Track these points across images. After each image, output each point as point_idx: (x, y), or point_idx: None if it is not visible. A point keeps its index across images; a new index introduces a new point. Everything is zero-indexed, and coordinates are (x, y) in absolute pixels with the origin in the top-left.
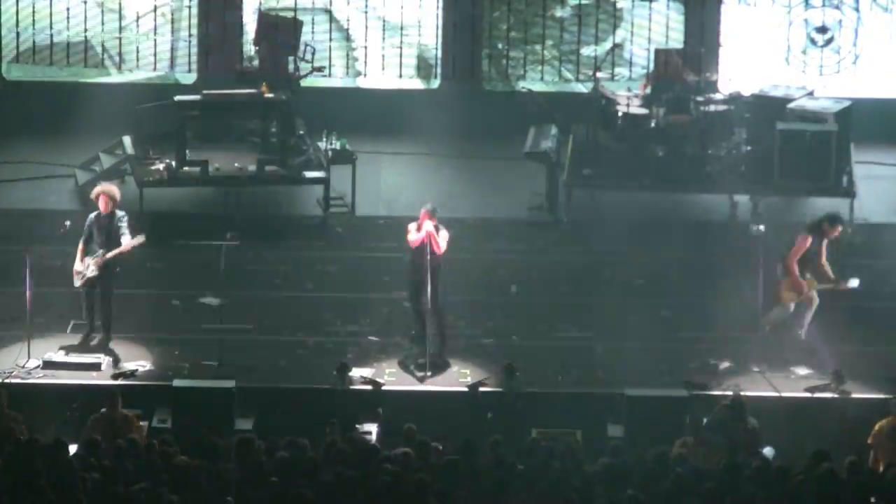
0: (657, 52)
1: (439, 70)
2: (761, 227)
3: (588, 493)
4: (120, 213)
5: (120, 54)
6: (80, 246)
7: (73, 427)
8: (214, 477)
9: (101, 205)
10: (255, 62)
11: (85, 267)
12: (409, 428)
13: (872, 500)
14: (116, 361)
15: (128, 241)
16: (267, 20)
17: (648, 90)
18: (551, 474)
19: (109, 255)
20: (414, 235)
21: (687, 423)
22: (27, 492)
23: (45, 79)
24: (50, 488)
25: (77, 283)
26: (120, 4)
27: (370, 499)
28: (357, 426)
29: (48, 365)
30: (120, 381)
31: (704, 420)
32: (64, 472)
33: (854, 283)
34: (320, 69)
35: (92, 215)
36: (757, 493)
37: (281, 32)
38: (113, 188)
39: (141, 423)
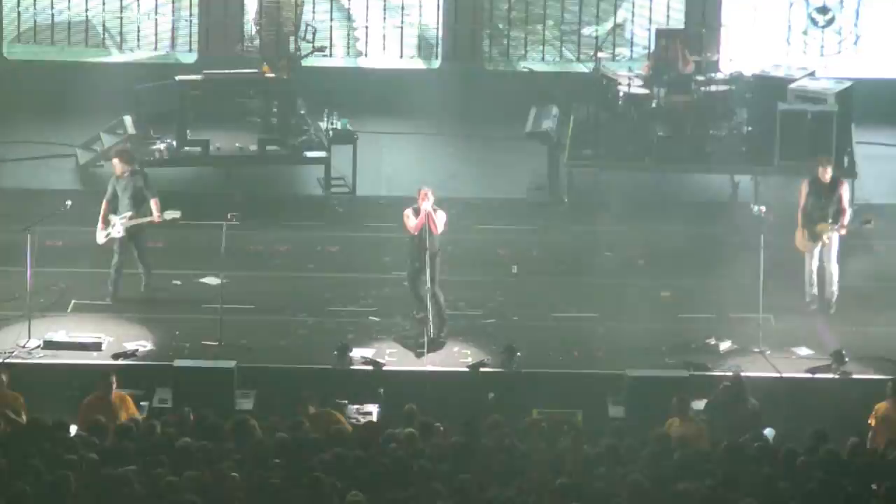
0: (658, 32)
1: (440, 50)
2: (762, 208)
3: (589, 473)
4: (142, 171)
5: (121, 34)
6: (104, 205)
7: (73, 407)
8: (216, 457)
9: (117, 170)
10: (256, 42)
11: (111, 226)
12: (409, 408)
13: (873, 485)
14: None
15: (157, 210)
16: (268, 0)
17: (650, 70)
18: (553, 454)
19: (137, 221)
20: (412, 221)
21: (673, 403)
22: (23, 471)
23: (47, 58)
24: (46, 469)
25: (101, 240)
26: None
27: (374, 479)
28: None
29: (49, 345)
30: (121, 361)
31: (695, 402)
32: (63, 452)
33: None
34: (321, 49)
35: (114, 176)
36: (759, 473)
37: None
38: (121, 149)
39: (141, 404)
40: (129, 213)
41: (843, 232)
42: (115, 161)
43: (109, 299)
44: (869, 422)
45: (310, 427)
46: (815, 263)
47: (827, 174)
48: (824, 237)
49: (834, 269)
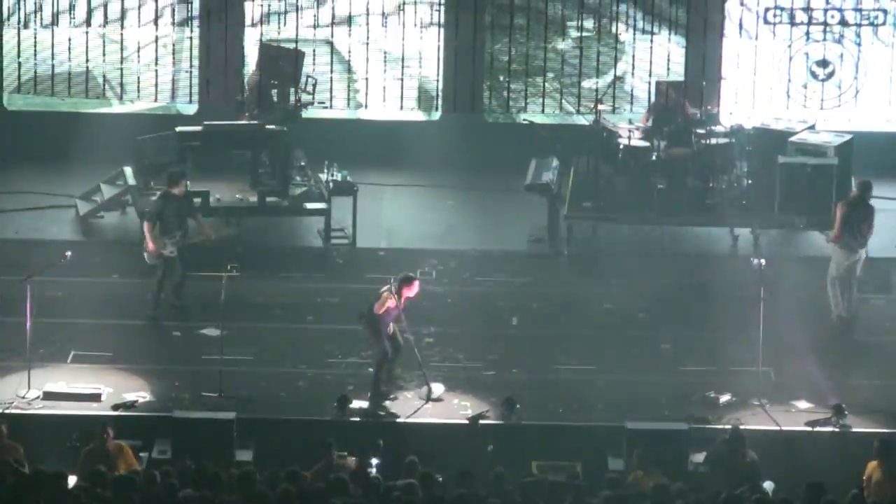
0: (658, 84)
1: (440, 102)
2: (762, 260)
3: None
4: (196, 199)
5: (121, 84)
6: (150, 226)
7: (72, 458)
8: None
9: (178, 191)
10: (248, 95)
11: (162, 246)
12: (410, 461)
13: None
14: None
15: (209, 228)
16: (268, 52)
17: (650, 122)
18: None
19: (195, 239)
20: (391, 303)
21: (634, 457)
22: None
23: (47, 109)
24: None
25: (152, 261)
26: (121, 35)
27: None
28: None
29: (48, 395)
30: (120, 412)
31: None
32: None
33: None
34: (321, 102)
35: (158, 198)
36: None
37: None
38: (180, 171)
39: (140, 455)
40: (180, 233)
41: None
42: (179, 183)
43: (151, 313)
44: (864, 477)
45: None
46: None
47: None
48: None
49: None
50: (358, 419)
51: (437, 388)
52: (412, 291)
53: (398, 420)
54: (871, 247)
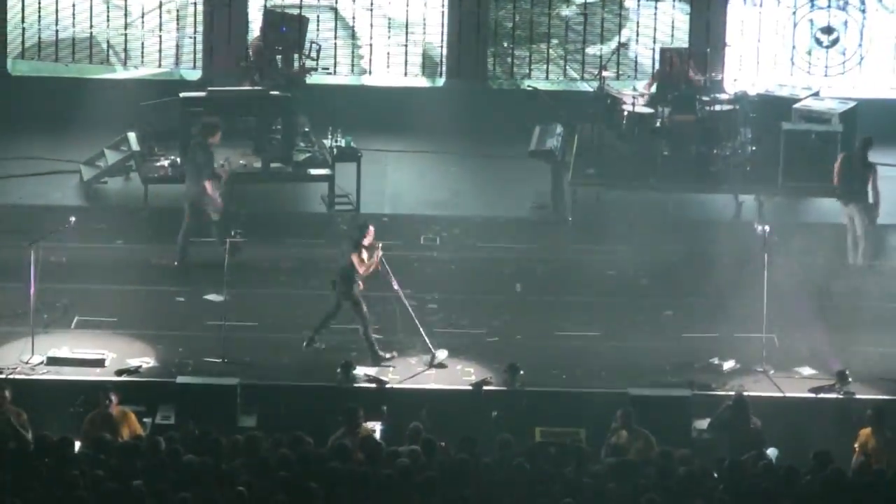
0: (662, 51)
1: (444, 68)
2: (766, 227)
3: (601, 489)
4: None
5: (125, 51)
6: (210, 184)
7: (76, 423)
8: (221, 474)
9: (216, 140)
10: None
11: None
12: (415, 426)
13: None
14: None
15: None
16: (272, 17)
17: (654, 89)
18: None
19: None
20: (364, 264)
21: (618, 415)
22: (31, 488)
23: (51, 75)
24: (54, 485)
25: (217, 216)
26: (125, 1)
27: (378, 494)
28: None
29: (52, 361)
30: (124, 378)
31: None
32: (69, 469)
33: None
34: (324, 68)
35: (204, 151)
36: (762, 492)
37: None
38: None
39: (144, 420)
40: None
41: None
42: (216, 133)
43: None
44: (854, 446)
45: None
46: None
47: None
48: None
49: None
50: (362, 385)
51: (441, 354)
52: (369, 238)
53: (402, 386)
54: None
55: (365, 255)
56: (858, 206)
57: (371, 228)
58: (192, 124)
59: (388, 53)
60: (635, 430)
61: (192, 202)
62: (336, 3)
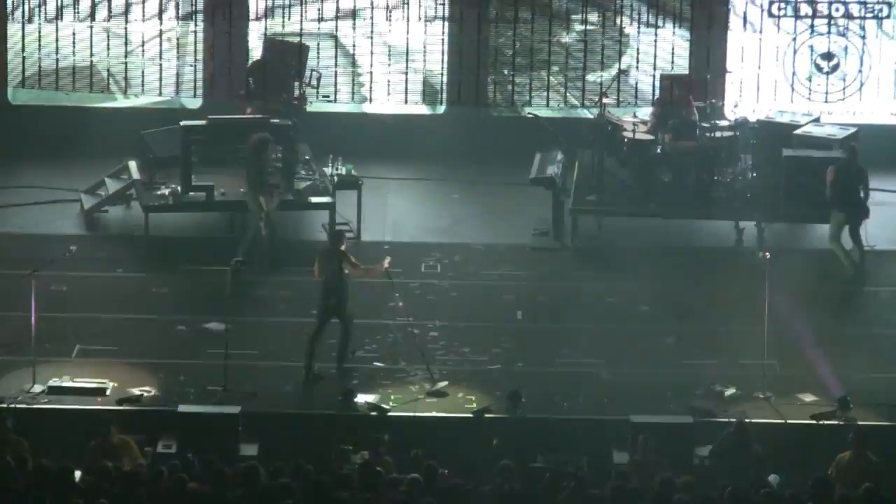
0: (663, 78)
1: (445, 96)
2: (767, 254)
3: None
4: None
5: (125, 79)
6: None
7: (78, 452)
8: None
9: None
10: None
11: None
12: (416, 454)
13: None
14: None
15: None
16: (272, 45)
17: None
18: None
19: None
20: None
21: (632, 441)
22: None
23: (51, 103)
24: None
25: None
26: (126, 29)
27: None
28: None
29: (53, 390)
30: (125, 407)
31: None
32: (70, 498)
33: None
34: (325, 96)
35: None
36: None
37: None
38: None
39: (145, 449)
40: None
41: None
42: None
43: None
44: (829, 472)
45: None
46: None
47: None
48: None
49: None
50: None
51: (441, 382)
52: (342, 243)
53: (403, 413)
54: (877, 238)
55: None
56: (855, 214)
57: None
58: (193, 153)
59: (389, 81)
60: (654, 460)
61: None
62: (336, 30)
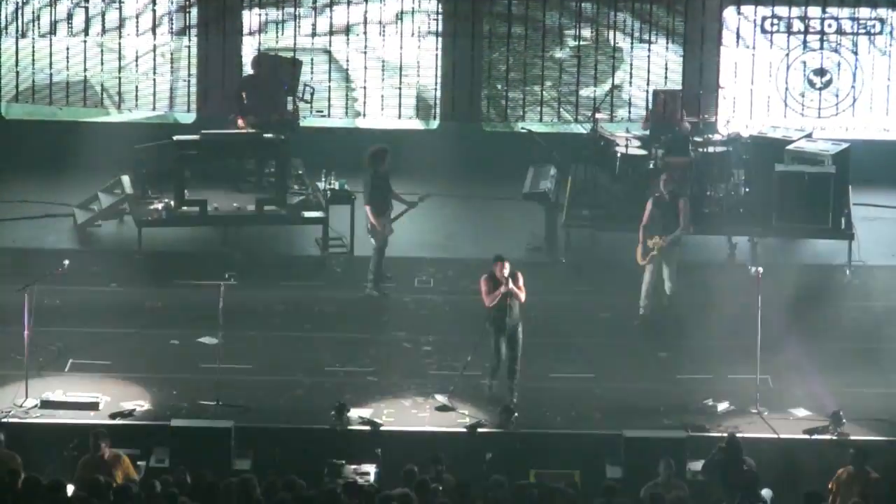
0: (655, 93)
1: (438, 110)
2: (760, 269)
3: None
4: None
5: (119, 94)
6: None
7: (70, 467)
8: None
9: (664, 185)
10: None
11: (652, 247)
12: (409, 469)
13: None
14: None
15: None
16: (266, 61)
17: (648, 131)
18: None
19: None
20: (489, 294)
21: (663, 465)
22: None
23: (45, 118)
24: None
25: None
26: (119, 44)
27: None
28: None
29: (46, 404)
30: (118, 421)
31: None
32: None
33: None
34: (318, 111)
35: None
36: None
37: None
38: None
39: (138, 464)
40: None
41: (664, 244)
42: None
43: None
44: (829, 486)
45: None
46: (648, 278)
47: (667, 186)
48: (655, 251)
49: (668, 286)
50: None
51: (441, 398)
52: (501, 272)
53: (397, 428)
54: (869, 254)
55: (484, 287)
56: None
57: (500, 263)
58: (186, 167)
59: (383, 96)
60: (672, 483)
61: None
62: (330, 45)
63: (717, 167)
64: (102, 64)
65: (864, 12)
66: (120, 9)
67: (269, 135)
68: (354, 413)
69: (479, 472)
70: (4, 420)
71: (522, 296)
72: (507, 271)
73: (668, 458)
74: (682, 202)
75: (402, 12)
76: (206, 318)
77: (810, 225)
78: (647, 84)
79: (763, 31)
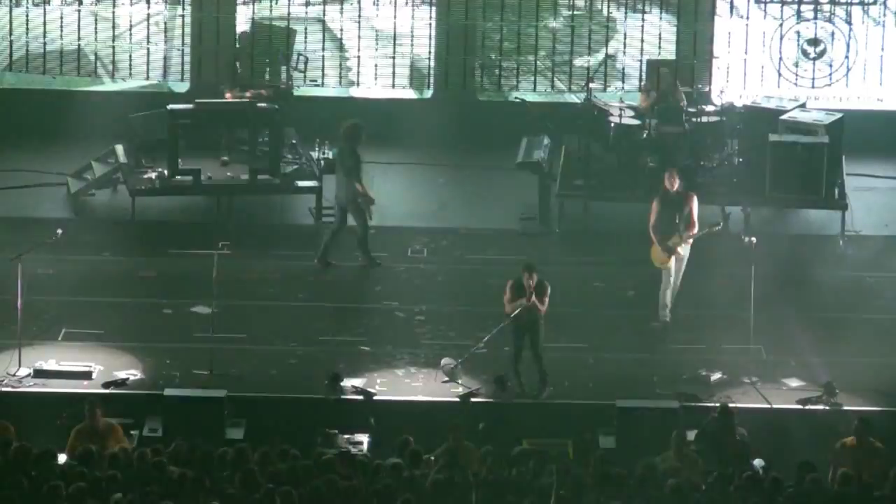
0: (650, 63)
1: (432, 80)
2: (753, 239)
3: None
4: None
5: (113, 63)
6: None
7: (62, 436)
8: (208, 486)
9: (670, 182)
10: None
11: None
12: (403, 439)
13: None
14: None
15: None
16: (260, 29)
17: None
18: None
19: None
20: (511, 303)
21: (673, 437)
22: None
23: (38, 87)
24: (33, 497)
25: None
26: (113, 13)
27: None
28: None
29: (39, 373)
30: (111, 390)
31: (688, 433)
32: (51, 481)
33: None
34: (312, 80)
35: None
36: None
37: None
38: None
39: (131, 433)
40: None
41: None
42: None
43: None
44: (830, 456)
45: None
46: (668, 281)
47: (674, 184)
48: (679, 249)
49: (678, 283)
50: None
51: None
52: (525, 279)
53: (390, 398)
54: (863, 224)
55: (508, 294)
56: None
57: (527, 273)
58: (180, 137)
59: (376, 65)
60: (687, 456)
61: (351, 203)
62: (324, 15)
63: (710, 137)
64: (96, 33)
65: None
66: None
67: (263, 104)
68: (347, 382)
69: (472, 441)
70: None
71: (544, 308)
72: (533, 282)
73: (680, 428)
74: (692, 198)
75: None
76: (199, 287)
77: (804, 195)
78: (641, 54)
79: (757, 0)
